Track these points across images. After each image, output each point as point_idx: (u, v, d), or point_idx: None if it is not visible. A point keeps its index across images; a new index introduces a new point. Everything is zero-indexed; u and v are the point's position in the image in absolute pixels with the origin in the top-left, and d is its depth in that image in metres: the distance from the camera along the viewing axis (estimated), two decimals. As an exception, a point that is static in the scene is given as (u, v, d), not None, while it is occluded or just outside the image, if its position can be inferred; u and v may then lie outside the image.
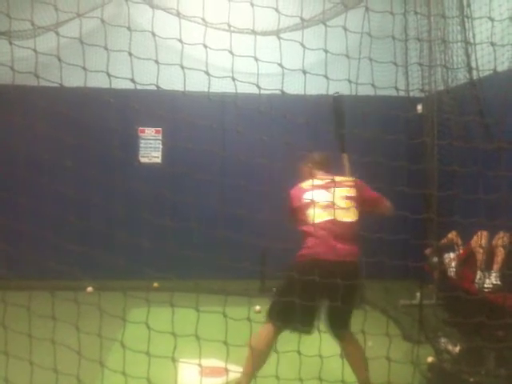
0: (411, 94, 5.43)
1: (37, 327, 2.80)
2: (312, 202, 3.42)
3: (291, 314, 3.17)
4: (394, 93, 3.75)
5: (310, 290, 3.13)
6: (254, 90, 3.24)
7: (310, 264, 3.31)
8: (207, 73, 2.76)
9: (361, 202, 3.58)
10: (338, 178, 3.59)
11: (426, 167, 4.81)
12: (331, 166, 3.91)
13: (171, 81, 5.17)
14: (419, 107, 5.94)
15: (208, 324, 2.92)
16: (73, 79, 3.57)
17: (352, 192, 3.57)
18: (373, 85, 3.10)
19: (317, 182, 3.62)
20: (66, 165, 6.06)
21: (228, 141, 7.08)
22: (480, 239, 4.68)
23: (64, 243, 3.34)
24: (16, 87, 4.04)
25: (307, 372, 2.96)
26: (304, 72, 2.94)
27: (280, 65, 2.80)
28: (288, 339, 3.42)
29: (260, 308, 5.48)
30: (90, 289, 6.30)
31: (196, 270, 5.99)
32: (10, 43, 2.63)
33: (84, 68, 2.65)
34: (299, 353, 3.24)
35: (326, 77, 2.89)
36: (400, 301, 6.09)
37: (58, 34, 2.65)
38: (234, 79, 2.89)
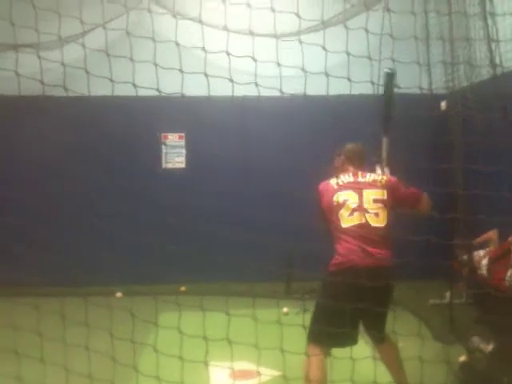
0: (434, 91, 5.37)
1: (70, 332, 2.85)
2: (343, 204, 3.33)
3: (336, 329, 2.94)
4: (417, 91, 3.71)
5: (352, 299, 2.96)
6: (275, 92, 3.23)
7: (349, 272, 3.16)
8: (231, 80, 2.79)
9: (394, 203, 3.42)
10: (367, 178, 3.48)
11: (451, 166, 4.75)
12: (364, 160, 3.68)
13: (191, 86, 5.21)
14: (443, 104, 5.88)
15: (236, 327, 2.93)
16: (95, 88, 3.62)
17: (382, 194, 3.41)
18: (396, 84, 3.09)
19: (346, 178, 3.51)
20: (92, 173, 6.17)
21: (250, 144, 7.09)
22: None
23: (94, 250, 3.40)
24: (45, 98, 4.12)
25: (339, 374, 2.96)
26: (326, 75, 2.94)
27: (303, 69, 2.81)
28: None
29: (288, 310, 5.49)
30: (119, 294, 6.37)
31: (222, 273, 6.03)
32: (39, 57, 2.70)
33: (111, 80, 2.69)
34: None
35: (348, 79, 2.89)
36: (430, 300, 6.02)
37: (83, 45, 2.71)
38: (257, 85, 2.91)
